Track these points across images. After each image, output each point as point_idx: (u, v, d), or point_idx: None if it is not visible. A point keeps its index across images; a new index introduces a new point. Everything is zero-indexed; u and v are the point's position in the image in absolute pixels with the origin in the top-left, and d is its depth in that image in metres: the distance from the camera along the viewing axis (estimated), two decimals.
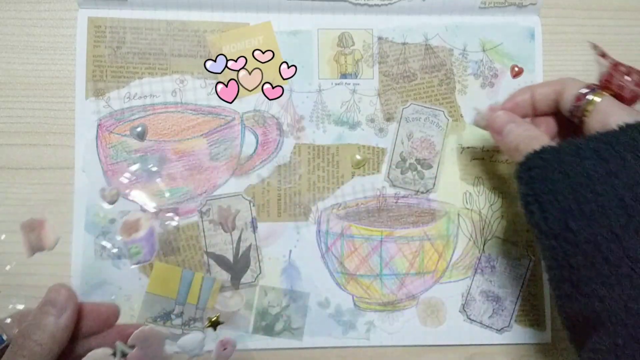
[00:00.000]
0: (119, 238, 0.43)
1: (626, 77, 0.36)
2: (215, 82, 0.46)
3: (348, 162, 0.47)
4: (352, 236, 0.46)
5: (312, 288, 0.46)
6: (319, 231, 0.46)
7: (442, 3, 0.47)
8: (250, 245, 0.46)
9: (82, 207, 0.44)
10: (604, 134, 0.33)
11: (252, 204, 0.46)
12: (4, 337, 0.32)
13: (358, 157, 0.47)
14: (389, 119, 0.47)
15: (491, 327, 0.47)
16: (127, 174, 0.45)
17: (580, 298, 0.32)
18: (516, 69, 0.48)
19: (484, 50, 0.48)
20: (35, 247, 0.39)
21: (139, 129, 0.45)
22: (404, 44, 0.48)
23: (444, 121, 0.47)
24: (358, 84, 0.47)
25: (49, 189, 0.45)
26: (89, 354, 0.33)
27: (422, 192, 0.47)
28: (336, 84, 0.47)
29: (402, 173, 0.47)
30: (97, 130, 0.45)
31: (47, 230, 0.40)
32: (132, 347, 0.34)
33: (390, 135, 0.47)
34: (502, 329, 0.47)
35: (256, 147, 0.46)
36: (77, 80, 0.45)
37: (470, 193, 0.47)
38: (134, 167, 0.45)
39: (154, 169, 0.45)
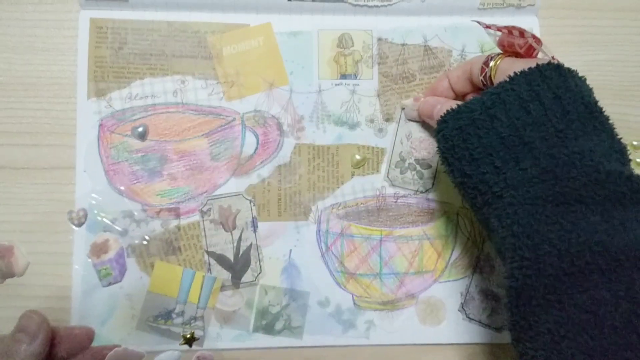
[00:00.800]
0: (88, 260, 0.43)
1: (515, 35, 0.38)
2: (216, 82, 0.46)
3: (348, 162, 0.47)
4: (351, 236, 0.46)
5: (312, 287, 0.46)
6: (319, 231, 0.46)
7: (441, 4, 0.47)
8: (250, 245, 0.46)
9: (83, 207, 0.45)
10: (495, 86, 0.35)
11: (252, 204, 0.46)
12: None
13: (358, 157, 0.47)
14: (388, 120, 0.48)
15: (490, 326, 0.47)
16: (128, 174, 0.45)
17: (490, 235, 0.37)
18: None
19: (482, 52, 0.48)
20: (6, 274, 0.39)
21: (140, 129, 0.45)
22: (403, 44, 0.48)
23: None
24: (358, 85, 0.48)
25: (51, 189, 0.45)
26: None
27: (421, 192, 0.47)
28: (336, 85, 0.47)
29: (401, 173, 0.47)
30: (99, 131, 0.45)
31: (17, 256, 0.40)
32: None
33: (389, 136, 0.48)
34: (501, 327, 0.47)
35: (257, 147, 0.46)
36: (78, 80, 0.45)
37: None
38: (135, 167, 0.45)
39: (155, 169, 0.45)
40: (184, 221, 0.45)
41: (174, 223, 0.45)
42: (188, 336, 0.43)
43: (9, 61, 0.46)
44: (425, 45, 0.48)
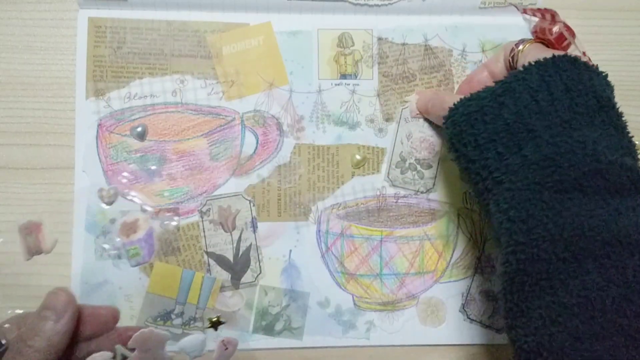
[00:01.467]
0: (117, 239, 0.43)
1: (550, 23, 0.39)
2: (215, 82, 0.46)
3: (348, 162, 0.47)
4: (352, 236, 0.46)
5: (312, 288, 0.46)
6: (319, 231, 0.46)
7: (442, 3, 0.47)
8: (250, 245, 0.46)
9: (82, 207, 0.45)
10: (508, 75, 0.35)
11: (252, 204, 0.46)
12: (3, 342, 0.31)
13: (358, 157, 0.47)
14: (388, 119, 0.47)
15: (491, 327, 0.47)
16: (127, 174, 0.45)
17: (491, 222, 0.36)
18: None
19: (483, 51, 0.48)
20: (33, 250, 0.39)
21: (139, 129, 0.45)
22: (403, 44, 0.48)
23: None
24: (358, 85, 0.47)
25: (50, 189, 0.45)
26: (89, 358, 0.33)
27: (422, 192, 0.47)
28: (336, 85, 0.47)
29: (401, 173, 0.47)
30: (98, 130, 0.45)
31: (45, 233, 0.40)
32: (132, 350, 0.33)
33: (389, 136, 0.47)
34: (502, 328, 0.47)
35: (256, 147, 0.46)
36: (77, 80, 0.45)
37: (470, 193, 0.47)
38: (134, 167, 0.45)
39: (154, 169, 0.45)
40: (183, 221, 0.45)
41: (173, 223, 0.45)
42: (214, 319, 0.43)
43: (7, 61, 0.45)
44: (425, 45, 0.48)
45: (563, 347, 0.30)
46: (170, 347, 0.35)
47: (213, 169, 0.46)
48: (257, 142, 0.46)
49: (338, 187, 0.47)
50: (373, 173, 0.47)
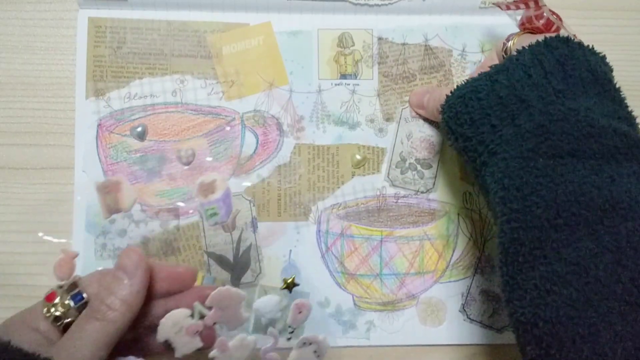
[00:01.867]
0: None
1: (535, 9, 0.39)
2: (215, 82, 0.46)
3: (348, 162, 0.47)
4: (352, 236, 0.46)
5: (312, 288, 0.46)
6: (319, 231, 0.46)
7: (442, 3, 0.47)
8: (250, 245, 0.46)
9: (82, 207, 0.44)
10: (504, 60, 0.36)
11: (252, 204, 0.46)
12: (84, 296, 0.33)
13: (358, 157, 0.47)
14: (388, 119, 0.47)
15: (491, 327, 0.47)
16: (127, 174, 0.45)
17: (488, 197, 0.36)
18: None
19: (482, 51, 0.48)
20: (113, 209, 0.39)
21: (139, 129, 0.45)
22: (403, 44, 0.48)
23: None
24: (358, 85, 0.47)
25: (49, 189, 0.45)
26: (168, 314, 0.34)
27: (422, 192, 0.47)
28: (336, 85, 0.47)
29: (402, 173, 0.47)
30: (97, 130, 0.45)
31: (124, 191, 0.39)
32: (210, 308, 0.34)
33: (390, 136, 0.47)
34: (502, 328, 0.47)
35: (256, 147, 0.46)
36: (77, 80, 0.45)
37: (470, 193, 0.47)
38: (134, 167, 0.45)
39: (154, 169, 0.45)
40: (183, 221, 0.45)
41: (173, 223, 0.45)
42: (289, 280, 0.42)
43: (7, 61, 0.45)
44: (425, 45, 0.48)
45: (558, 316, 0.29)
46: (246, 307, 0.36)
47: (213, 169, 0.46)
48: (257, 142, 0.46)
49: (338, 187, 0.47)
50: (373, 173, 0.47)
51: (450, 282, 0.47)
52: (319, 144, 0.47)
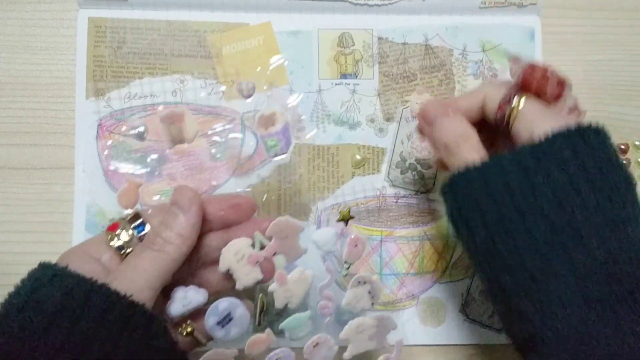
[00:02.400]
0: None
1: (544, 76, 0.35)
2: (215, 81, 0.46)
3: (348, 162, 0.47)
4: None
5: (312, 288, 0.46)
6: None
7: (442, 3, 0.47)
8: None
9: (82, 207, 0.44)
10: (529, 147, 0.31)
11: None
12: (147, 227, 0.34)
13: (358, 157, 0.47)
14: (388, 119, 0.47)
15: (491, 327, 0.47)
16: (126, 174, 0.45)
17: (513, 318, 0.32)
18: None
19: (483, 51, 0.48)
20: (176, 139, 0.40)
21: (139, 129, 0.45)
22: (404, 44, 0.48)
23: None
24: (358, 84, 0.47)
25: (49, 189, 0.45)
26: (230, 243, 0.35)
27: (422, 192, 0.47)
28: (336, 84, 0.47)
29: (402, 173, 0.47)
30: (98, 130, 0.45)
31: (187, 122, 0.40)
32: (270, 239, 0.35)
33: (390, 135, 0.47)
34: (502, 328, 0.47)
35: (256, 147, 0.46)
36: (77, 80, 0.45)
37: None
38: (134, 167, 0.45)
39: (154, 169, 0.45)
40: None
41: None
42: (345, 211, 0.41)
43: (7, 61, 0.45)
44: (426, 45, 0.48)
45: (559, 335, 0.29)
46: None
47: (213, 169, 0.46)
48: (257, 142, 0.46)
49: (338, 187, 0.47)
50: (373, 173, 0.47)
51: (450, 282, 0.47)
52: (319, 144, 0.47)
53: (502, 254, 0.31)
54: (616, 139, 0.49)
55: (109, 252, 0.33)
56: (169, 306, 0.34)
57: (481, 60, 0.48)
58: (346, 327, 0.38)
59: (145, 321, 0.30)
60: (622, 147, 0.49)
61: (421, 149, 0.47)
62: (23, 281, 0.31)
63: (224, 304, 0.35)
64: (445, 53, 0.48)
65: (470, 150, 0.34)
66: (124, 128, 0.45)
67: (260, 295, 0.38)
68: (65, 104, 0.45)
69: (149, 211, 0.35)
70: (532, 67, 0.34)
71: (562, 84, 0.34)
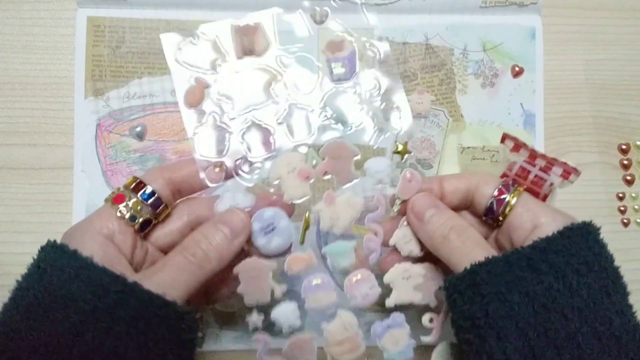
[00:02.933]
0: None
1: (545, 173, 0.35)
2: None
3: None
4: (352, 236, 0.46)
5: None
6: (319, 231, 0.46)
7: (443, 2, 0.47)
8: None
9: (81, 207, 0.44)
10: (551, 241, 0.31)
11: None
12: (154, 190, 0.33)
13: (357, 157, 0.47)
14: (388, 119, 0.47)
15: None
16: (126, 174, 0.45)
17: None
18: (517, 68, 0.48)
19: (484, 50, 0.48)
20: (247, 51, 0.39)
21: (138, 129, 0.45)
22: (404, 43, 0.48)
23: (444, 121, 0.47)
24: (358, 84, 0.47)
25: (49, 189, 0.45)
26: (283, 155, 0.35)
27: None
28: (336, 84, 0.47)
29: (402, 173, 0.47)
30: (97, 130, 0.45)
31: (260, 36, 0.39)
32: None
33: (390, 135, 0.47)
34: None
35: None
36: (76, 80, 0.45)
37: None
38: (134, 167, 0.45)
39: None
40: None
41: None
42: (403, 144, 0.39)
43: (6, 60, 0.45)
44: (426, 44, 0.48)
45: None
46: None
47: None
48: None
49: (338, 187, 0.46)
50: None
51: None
52: (319, 144, 0.46)
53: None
54: (617, 138, 0.49)
55: (119, 225, 0.32)
56: (217, 205, 0.34)
57: (482, 60, 0.48)
58: (391, 269, 0.37)
59: (177, 319, 0.30)
60: (623, 147, 0.49)
61: (421, 149, 0.47)
62: (41, 267, 0.30)
63: (269, 212, 0.35)
64: (445, 52, 0.48)
65: (474, 247, 0.33)
66: (123, 128, 0.45)
67: (307, 212, 0.37)
68: (64, 104, 0.45)
69: (149, 176, 0.34)
70: (531, 158, 0.35)
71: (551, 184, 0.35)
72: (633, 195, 0.49)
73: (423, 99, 0.47)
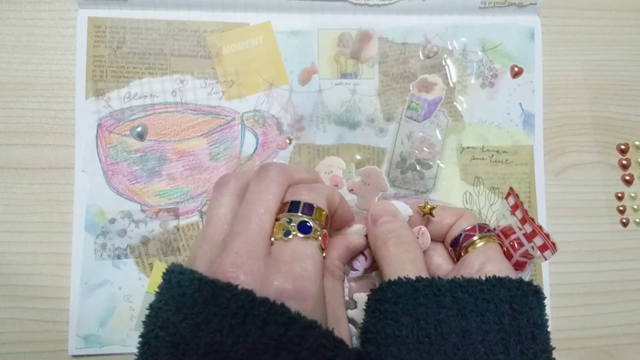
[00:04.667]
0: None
1: (527, 239, 0.35)
2: (215, 81, 0.46)
3: (348, 162, 0.47)
4: None
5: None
6: None
7: (442, 3, 0.47)
8: None
9: (82, 207, 0.44)
10: (471, 281, 0.31)
11: None
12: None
13: (358, 157, 0.47)
14: (388, 119, 0.47)
15: None
16: (126, 174, 0.45)
17: None
18: (516, 69, 0.48)
19: (483, 51, 0.48)
20: (354, 55, 0.40)
21: (139, 129, 0.45)
22: (404, 44, 0.48)
23: (444, 121, 0.47)
24: (358, 84, 0.47)
25: (49, 189, 0.45)
26: (328, 158, 0.40)
27: (422, 192, 0.47)
28: (336, 84, 0.47)
29: (402, 173, 0.47)
30: (97, 130, 0.45)
31: (371, 47, 0.40)
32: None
33: (390, 135, 0.47)
34: None
35: (256, 147, 0.46)
36: (77, 80, 0.45)
37: (470, 193, 0.47)
38: (134, 167, 0.45)
39: (154, 169, 0.45)
40: (183, 222, 0.45)
41: (173, 224, 0.45)
42: (428, 207, 0.38)
43: (6, 60, 0.45)
44: (426, 44, 0.48)
45: None
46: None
47: (213, 169, 0.46)
48: (257, 142, 0.46)
49: (338, 187, 0.47)
50: None
51: None
52: (319, 144, 0.47)
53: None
54: (616, 139, 0.49)
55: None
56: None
57: (481, 60, 0.48)
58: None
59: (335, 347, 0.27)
60: (622, 147, 0.49)
61: (421, 149, 0.47)
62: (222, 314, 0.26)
63: None
64: (445, 53, 0.48)
65: (407, 263, 0.33)
66: (123, 128, 0.45)
67: None
68: (65, 104, 0.45)
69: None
70: (522, 223, 0.35)
71: (529, 258, 0.35)
72: (632, 195, 0.49)
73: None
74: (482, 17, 0.48)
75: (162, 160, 0.45)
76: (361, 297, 0.36)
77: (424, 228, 0.37)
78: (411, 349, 0.29)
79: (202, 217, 0.45)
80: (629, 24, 0.50)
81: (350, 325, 0.35)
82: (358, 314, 0.36)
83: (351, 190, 0.37)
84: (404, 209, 0.37)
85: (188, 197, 0.45)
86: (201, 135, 0.46)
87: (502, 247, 0.35)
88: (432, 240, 0.37)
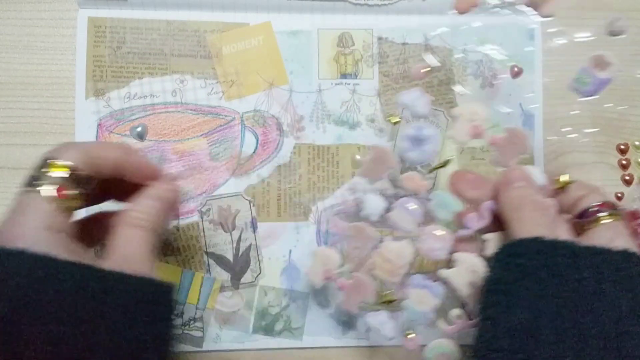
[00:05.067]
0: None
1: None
2: (215, 81, 0.46)
3: (348, 162, 0.47)
4: (352, 236, 0.46)
5: (312, 288, 0.46)
6: (319, 231, 0.46)
7: (442, 3, 0.47)
8: (250, 245, 0.46)
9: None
10: (607, 250, 0.31)
11: (252, 204, 0.46)
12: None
13: (358, 157, 0.47)
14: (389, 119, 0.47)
15: None
16: None
17: None
18: (516, 69, 0.48)
19: (483, 51, 0.48)
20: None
21: (139, 129, 0.45)
22: (403, 44, 0.48)
23: (444, 121, 0.47)
24: (358, 84, 0.47)
25: None
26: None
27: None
28: (336, 84, 0.47)
29: (402, 173, 0.47)
30: (97, 131, 0.45)
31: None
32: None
33: (390, 135, 0.47)
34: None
35: (256, 147, 0.46)
36: (77, 80, 0.45)
37: None
38: None
39: None
40: (183, 222, 0.45)
41: (172, 223, 0.45)
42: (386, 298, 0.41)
43: (7, 60, 0.45)
44: (426, 45, 0.48)
45: None
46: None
47: (213, 169, 0.46)
48: (257, 142, 0.46)
49: (338, 187, 0.47)
50: None
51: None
52: (319, 144, 0.47)
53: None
54: (616, 139, 0.49)
55: (54, 206, 0.31)
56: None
57: (481, 60, 0.48)
58: (467, 253, 0.38)
59: (154, 292, 0.30)
60: (622, 147, 0.49)
61: None
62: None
63: (410, 130, 0.39)
64: (445, 53, 0.48)
65: (539, 226, 0.33)
66: (123, 128, 0.45)
67: None
68: (65, 104, 0.45)
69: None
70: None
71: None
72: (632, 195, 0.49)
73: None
74: (482, 17, 0.48)
75: (162, 161, 0.45)
76: (462, 257, 0.38)
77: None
78: (548, 302, 0.29)
79: (202, 217, 0.45)
80: (629, 24, 0.50)
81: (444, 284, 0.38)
82: (455, 274, 0.37)
83: (492, 144, 0.37)
84: (539, 177, 0.37)
85: (188, 197, 0.45)
86: (201, 135, 0.46)
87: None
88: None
